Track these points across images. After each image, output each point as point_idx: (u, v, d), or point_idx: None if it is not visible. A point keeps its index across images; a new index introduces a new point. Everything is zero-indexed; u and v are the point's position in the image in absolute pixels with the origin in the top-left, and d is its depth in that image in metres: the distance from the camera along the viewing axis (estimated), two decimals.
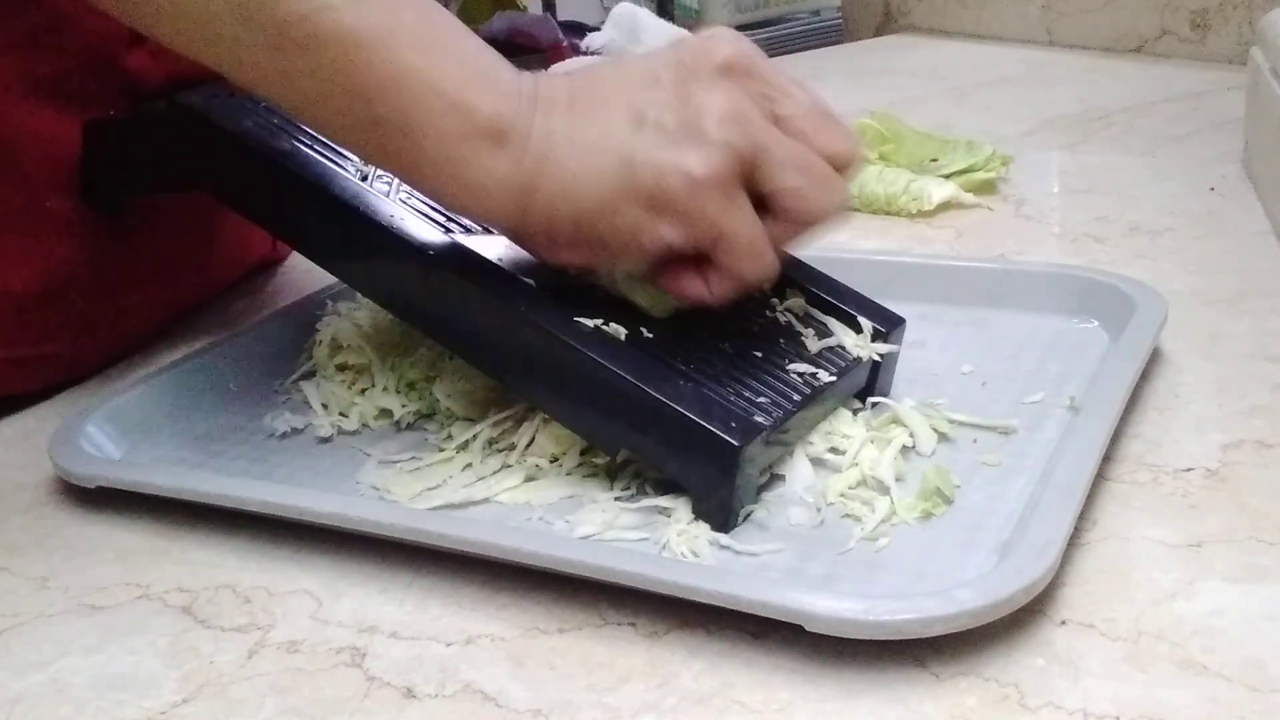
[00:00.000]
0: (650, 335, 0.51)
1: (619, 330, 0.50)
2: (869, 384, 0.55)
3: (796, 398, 0.50)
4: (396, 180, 0.57)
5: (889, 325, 0.55)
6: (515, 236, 0.51)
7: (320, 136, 0.58)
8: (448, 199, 0.50)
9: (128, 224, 0.66)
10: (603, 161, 0.47)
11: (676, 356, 0.50)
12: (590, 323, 0.50)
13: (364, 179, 0.56)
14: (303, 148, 0.57)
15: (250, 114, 0.59)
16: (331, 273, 0.58)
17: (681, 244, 0.47)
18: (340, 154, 0.57)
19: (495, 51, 0.49)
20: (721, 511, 0.47)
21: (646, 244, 0.47)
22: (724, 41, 0.49)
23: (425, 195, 0.54)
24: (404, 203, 0.55)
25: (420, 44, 0.47)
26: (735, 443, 0.46)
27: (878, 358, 0.54)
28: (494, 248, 0.54)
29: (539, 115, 0.47)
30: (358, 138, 0.48)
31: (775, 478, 0.50)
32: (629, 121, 0.47)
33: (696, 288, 0.49)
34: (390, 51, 0.46)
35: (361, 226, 0.54)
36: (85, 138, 0.63)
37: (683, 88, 0.47)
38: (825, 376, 0.52)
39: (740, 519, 0.48)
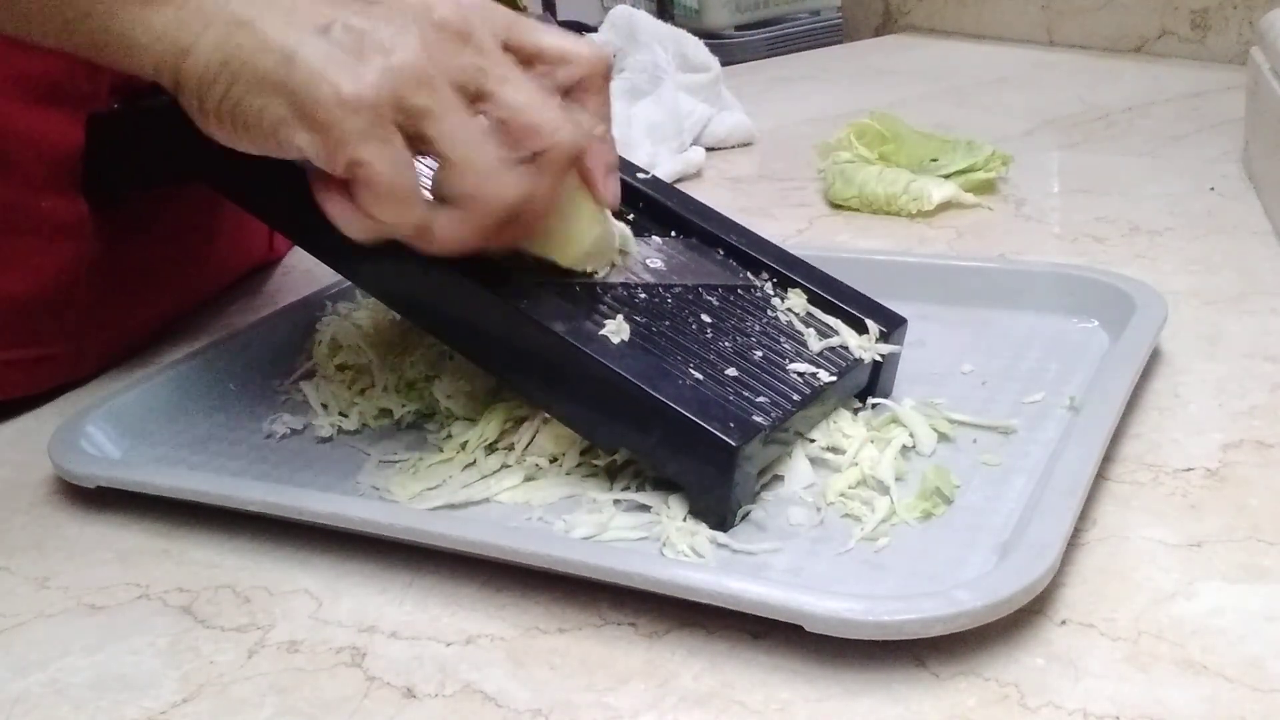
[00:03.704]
0: (652, 334, 0.51)
1: (622, 329, 0.50)
2: (870, 384, 0.55)
3: (796, 397, 0.50)
4: None
5: (891, 325, 0.55)
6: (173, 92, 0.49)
7: None
8: (97, 52, 0.48)
9: (124, 225, 0.66)
10: (269, 47, 0.45)
11: (677, 356, 0.50)
12: (591, 321, 0.50)
13: None
14: None
15: None
16: (331, 267, 0.58)
17: (316, 157, 0.46)
18: None
19: None
20: (719, 511, 0.47)
21: (283, 143, 0.46)
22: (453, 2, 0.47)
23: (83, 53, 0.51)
24: None
25: None
26: (733, 443, 0.46)
27: (879, 358, 0.54)
28: None
29: None
30: None
31: (775, 477, 0.50)
32: (314, 24, 0.46)
33: (338, 209, 0.47)
34: None
35: None
36: (88, 131, 0.62)
37: (386, 21, 0.46)
38: (825, 376, 0.52)
39: (738, 518, 0.48)
